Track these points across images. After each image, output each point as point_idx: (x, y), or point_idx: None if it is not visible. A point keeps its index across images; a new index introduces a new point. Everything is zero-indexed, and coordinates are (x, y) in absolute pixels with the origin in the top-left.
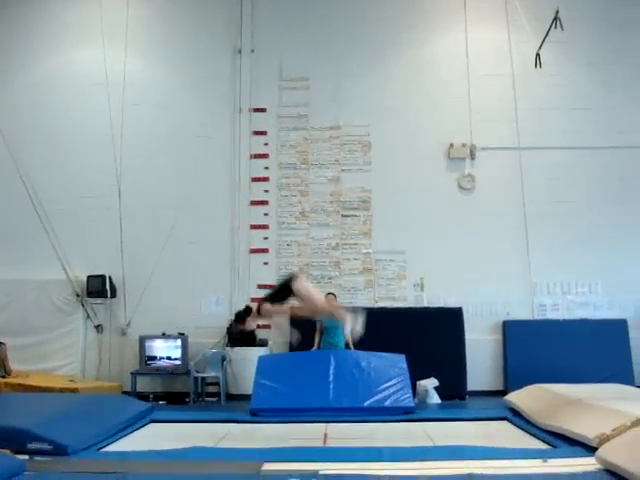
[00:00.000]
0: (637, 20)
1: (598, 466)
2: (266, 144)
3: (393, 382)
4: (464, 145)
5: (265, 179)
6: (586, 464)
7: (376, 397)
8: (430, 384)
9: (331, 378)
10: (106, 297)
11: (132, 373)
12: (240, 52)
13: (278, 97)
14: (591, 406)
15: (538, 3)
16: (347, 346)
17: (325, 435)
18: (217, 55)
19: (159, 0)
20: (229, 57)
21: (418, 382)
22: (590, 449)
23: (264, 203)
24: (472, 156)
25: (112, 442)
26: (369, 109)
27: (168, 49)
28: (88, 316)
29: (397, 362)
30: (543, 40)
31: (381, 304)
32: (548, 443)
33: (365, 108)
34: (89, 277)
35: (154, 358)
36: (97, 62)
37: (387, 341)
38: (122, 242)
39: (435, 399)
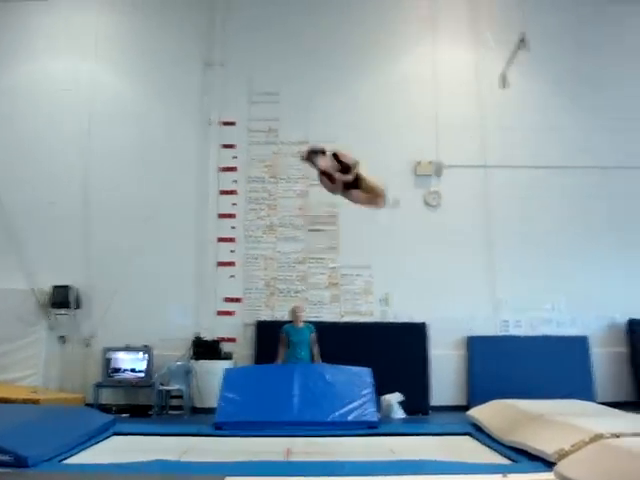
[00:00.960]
0: (602, 41)
1: None
2: (235, 157)
3: (358, 396)
4: (431, 162)
5: (233, 192)
6: (545, 479)
7: (340, 411)
8: (394, 399)
9: (296, 392)
10: (70, 308)
11: (95, 385)
12: (210, 65)
13: (247, 111)
14: (551, 422)
15: (505, 24)
16: (312, 360)
17: (288, 449)
18: (187, 68)
19: (129, 12)
20: (199, 70)
21: (382, 397)
22: (549, 464)
23: (232, 216)
24: (438, 173)
25: (74, 454)
26: (338, 125)
27: (138, 61)
28: (52, 327)
29: (362, 376)
30: (509, 60)
31: (347, 319)
32: (509, 458)
33: (334, 124)
34: (54, 287)
35: (118, 370)
36: (67, 72)
37: (352, 356)
38: (88, 252)
39: (399, 414)
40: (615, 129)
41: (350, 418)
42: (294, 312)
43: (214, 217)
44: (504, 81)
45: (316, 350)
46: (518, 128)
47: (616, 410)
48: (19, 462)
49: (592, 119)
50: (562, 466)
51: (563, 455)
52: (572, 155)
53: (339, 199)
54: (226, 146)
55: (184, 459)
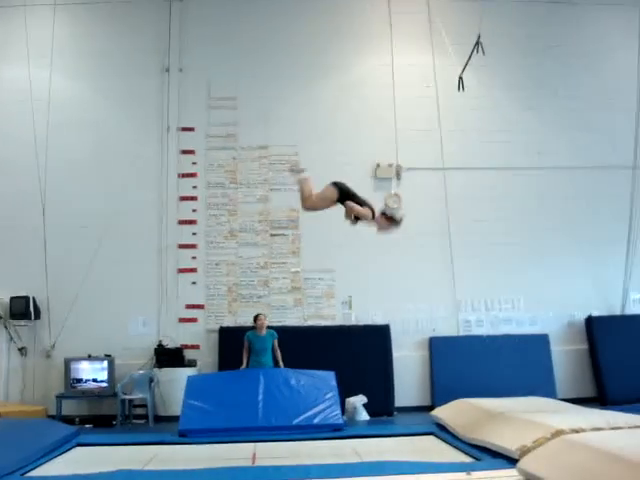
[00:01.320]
0: (556, 46)
1: (519, 477)
2: (194, 163)
3: (322, 400)
4: (390, 165)
5: (193, 198)
6: (508, 475)
7: (305, 415)
8: (359, 401)
9: (260, 397)
10: (30, 319)
11: (57, 396)
12: (168, 71)
13: (206, 116)
14: (513, 419)
15: (461, 28)
16: (276, 365)
17: (254, 455)
18: (145, 73)
19: (86, 18)
20: (157, 75)
21: (347, 399)
22: (512, 461)
23: (192, 222)
24: (398, 176)
25: (36, 467)
26: (297, 129)
27: (95, 67)
28: (11, 338)
29: (326, 380)
30: (466, 64)
31: (310, 322)
32: (472, 456)
33: (293, 128)
34: (12, 298)
35: (80, 381)
36: (22, 79)
37: (316, 359)
38: (46, 262)
39: (364, 416)
40: (569, 130)
41: (315, 421)
42: (257, 321)
43: (174, 223)
44: (461, 84)
45: (279, 355)
46: (475, 130)
47: (576, 406)
48: None
49: (547, 120)
50: (525, 462)
51: (525, 451)
52: (527, 156)
53: (299, 204)
54: (185, 152)
55: (148, 468)
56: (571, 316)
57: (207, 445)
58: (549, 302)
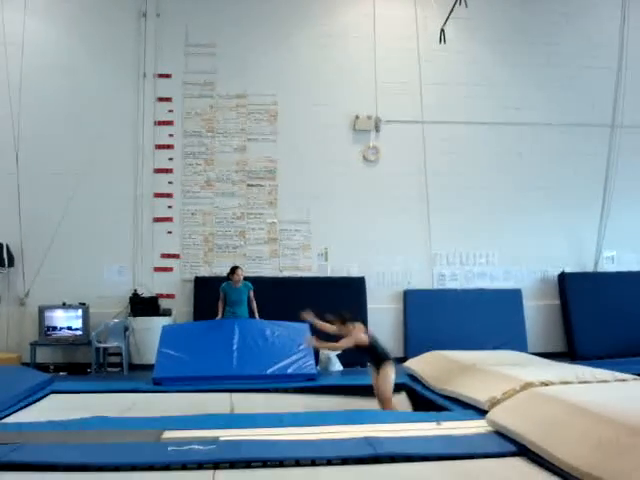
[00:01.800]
0: (538, 0)
1: (489, 428)
2: (171, 111)
3: (296, 350)
4: (369, 117)
5: (170, 147)
6: (477, 426)
7: (279, 365)
8: (332, 352)
9: (235, 347)
10: (3, 266)
11: (31, 344)
12: (145, 16)
13: (184, 63)
14: (484, 371)
15: None
16: (251, 316)
17: (229, 403)
18: (121, 18)
19: None
20: (134, 20)
21: (321, 350)
22: (482, 412)
23: (168, 171)
24: (377, 129)
25: (10, 414)
26: (276, 79)
27: (70, 11)
28: None
29: (301, 331)
30: (448, 16)
31: (286, 273)
32: (443, 407)
33: (272, 77)
34: None
35: (54, 328)
36: None
37: (291, 310)
38: (20, 209)
39: (337, 366)
40: (549, 86)
41: (289, 371)
42: (234, 275)
43: (150, 172)
44: (443, 37)
45: (254, 306)
46: (454, 84)
47: (546, 360)
48: None
49: (527, 76)
50: (494, 413)
51: (495, 403)
52: (506, 111)
53: (278, 154)
54: (162, 99)
55: (122, 415)
56: (544, 272)
57: (181, 394)
58: (523, 258)
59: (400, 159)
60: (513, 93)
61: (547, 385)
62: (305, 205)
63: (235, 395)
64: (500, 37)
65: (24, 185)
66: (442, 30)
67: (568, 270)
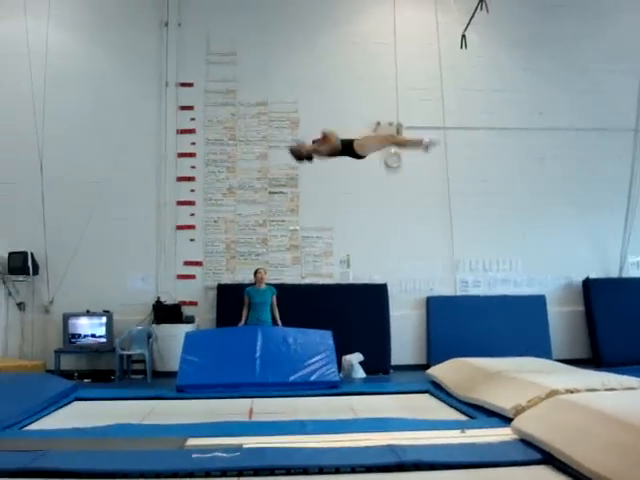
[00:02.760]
0: (560, 4)
1: (514, 436)
2: (193, 119)
3: (319, 357)
4: (390, 124)
5: (192, 155)
6: (502, 434)
7: (302, 372)
8: (355, 359)
9: (258, 354)
10: (28, 274)
11: (56, 351)
12: (167, 25)
13: (205, 72)
14: (508, 379)
15: None
16: (274, 322)
17: (251, 410)
18: (144, 28)
19: None
20: (156, 30)
21: (343, 357)
22: (506, 420)
23: (191, 179)
24: (398, 134)
25: (35, 421)
26: (297, 85)
27: (93, 20)
28: (10, 294)
29: (323, 338)
30: (469, 22)
31: (308, 281)
32: (467, 415)
33: (293, 84)
34: (10, 254)
35: (78, 336)
36: (18, 32)
37: (314, 317)
38: (44, 217)
39: (360, 373)
40: (572, 91)
41: (312, 378)
42: (256, 275)
43: (172, 180)
44: (464, 42)
45: (276, 312)
46: (476, 90)
47: (571, 367)
48: None
49: (549, 81)
50: (519, 421)
51: (520, 411)
52: (528, 117)
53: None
54: (184, 108)
55: (146, 422)
56: (568, 278)
57: (204, 400)
58: (547, 264)
59: (422, 165)
60: (536, 98)
61: (572, 392)
62: (327, 212)
63: (257, 400)
64: (522, 42)
65: (48, 194)
66: (463, 36)
67: (593, 276)
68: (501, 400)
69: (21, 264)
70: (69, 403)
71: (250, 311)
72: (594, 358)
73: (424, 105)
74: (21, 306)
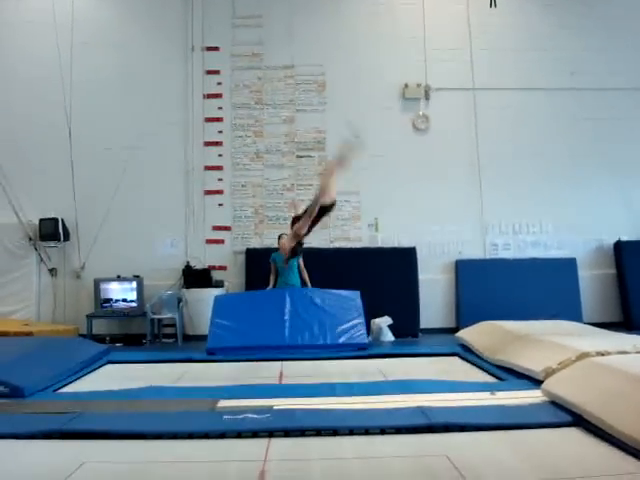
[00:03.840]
0: None
1: (544, 398)
2: (219, 83)
3: (348, 319)
4: (419, 85)
5: (219, 119)
6: (532, 396)
7: (331, 334)
8: (384, 322)
9: (287, 316)
10: (59, 240)
11: (88, 316)
12: None
13: (231, 35)
14: (538, 341)
15: None
16: (304, 285)
17: (280, 372)
18: None
19: None
20: None
21: (372, 320)
22: (536, 382)
23: (218, 144)
24: (427, 97)
25: (68, 383)
26: (324, 48)
27: None
28: (42, 260)
29: (352, 299)
30: None
31: (336, 244)
32: (497, 377)
33: (320, 47)
34: (41, 220)
35: (110, 301)
36: (44, 1)
37: (342, 281)
38: (74, 184)
39: (389, 337)
40: (605, 49)
41: (341, 340)
42: (279, 241)
43: (200, 145)
44: (493, 1)
45: (305, 275)
46: (506, 49)
47: (602, 330)
48: (15, 392)
49: (582, 39)
50: (550, 384)
51: (550, 373)
52: (560, 77)
53: (327, 125)
54: (210, 72)
55: (178, 384)
56: (600, 240)
57: (234, 363)
58: (578, 226)
59: (451, 127)
60: (568, 57)
61: (603, 355)
62: (355, 175)
63: (286, 363)
64: (552, 0)
65: (77, 160)
66: None
67: (624, 238)
68: (531, 362)
69: (52, 230)
70: (102, 366)
71: (278, 276)
72: (625, 321)
73: (453, 66)
74: (53, 272)
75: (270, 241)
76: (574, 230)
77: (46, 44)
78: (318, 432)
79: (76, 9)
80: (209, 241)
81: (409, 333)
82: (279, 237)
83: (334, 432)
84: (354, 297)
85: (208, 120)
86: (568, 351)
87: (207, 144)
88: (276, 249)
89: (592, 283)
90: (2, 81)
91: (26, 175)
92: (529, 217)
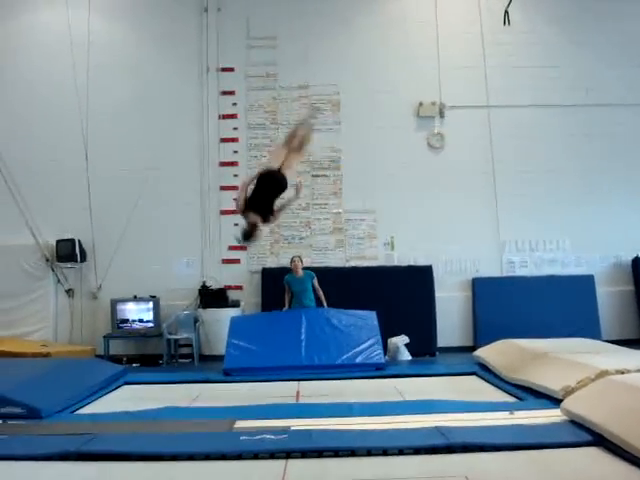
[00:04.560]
0: None
1: (563, 417)
2: (235, 104)
3: (364, 339)
4: (433, 103)
5: (234, 140)
6: (551, 415)
7: (348, 354)
8: (401, 341)
9: (303, 336)
10: (76, 261)
11: (105, 337)
12: (207, 10)
13: (246, 56)
14: (557, 360)
15: None
16: (319, 305)
17: (297, 392)
18: (183, 14)
19: None
20: (196, 16)
21: (389, 339)
22: (556, 401)
23: (234, 164)
24: (441, 114)
25: (86, 404)
26: (338, 68)
27: (133, 8)
28: (59, 280)
29: (368, 319)
30: None
31: (352, 263)
32: (515, 396)
33: (334, 67)
34: (58, 241)
35: (126, 321)
36: (60, 23)
37: (358, 300)
38: (91, 205)
39: (406, 356)
40: (619, 65)
41: (358, 360)
42: (292, 263)
43: (216, 165)
44: (507, 18)
45: (321, 294)
46: (520, 67)
47: (621, 347)
48: (32, 414)
49: (596, 55)
50: (569, 402)
51: (569, 392)
52: (574, 93)
53: (342, 144)
54: (225, 93)
55: (194, 405)
56: (617, 257)
57: (251, 383)
58: (595, 243)
59: (466, 145)
60: (582, 73)
61: (623, 373)
62: (370, 194)
63: (303, 383)
64: (566, 15)
65: (94, 182)
66: (506, 12)
67: None
68: (550, 381)
69: (69, 251)
70: (119, 387)
71: (292, 298)
72: None
73: (467, 84)
74: (70, 293)
75: (286, 260)
76: (591, 247)
77: (62, 66)
78: (336, 453)
79: (92, 31)
80: (225, 261)
81: (426, 352)
82: (292, 260)
83: (352, 453)
84: (370, 317)
85: (224, 140)
86: (587, 369)
87: (223, 164)
88: (289, 270)
89: (610, 300)
90: (21, 102)
91: (43, 196)
92: (546, 234)
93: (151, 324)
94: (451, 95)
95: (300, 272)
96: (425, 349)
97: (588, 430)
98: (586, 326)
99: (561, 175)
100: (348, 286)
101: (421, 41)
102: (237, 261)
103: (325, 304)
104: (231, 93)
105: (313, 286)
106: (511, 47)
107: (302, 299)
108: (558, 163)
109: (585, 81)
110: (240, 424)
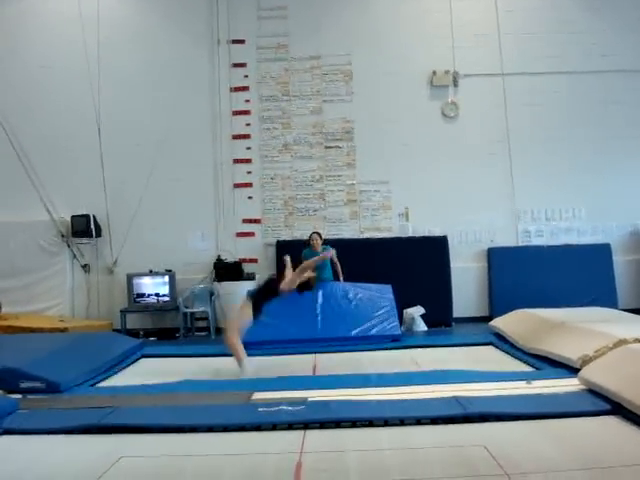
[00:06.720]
0: None
1: (581, 386)
2: (246, 76)
3: (380, 311)
4: (447, 72)
5: (246, 112)
6: (569, 385)
7: (363, 326)
8: (416, 312)
9: (319, 310)
10: (91, 237)
11: (121, 311)
12: None
13: (256, 27)
14: (574, 329)
15: None
16: (336, 278)
17: (314, 365)
18: None
19: None
20: None
21: (405, 310)
22: (573, 370)
23: (246, 137)
24: (455, 83)
25: (104, 378)
26: (350, 37)
27: None
28: (74, 256)
29: (383, 292)
30: None
31: (366, 235)
32: (532, 366)
33: (346, 36)
34: (73, 217)
35: (142, 295)
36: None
37: (373, 271)
38: (104, 181)
39: (422, 326)
40: (633, 31)
41: (373, 332)
42: (311, 241)
43: (228, 138)
44: None
45: (338, 269)
46: (534, 33)
47: (639, 316)
48: (52, 388)
49: (612, 20)
50: (586, 371)
51: (587, 361)
52: (591, 59)
53: (355, 115)
54: (237, 65)
55: (212, 378)
56: (634, 225)
57: (268, 357)
58: (612, 211)
59: (480, 113)
60: (597, 40)
61: None
62: (384, 165)
63: (319, 356)
64: None
65: (107, 157)
66: None
67: None
68: (567, 350)
69: (84, 227)
70: (136, 360)
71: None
72: None
73: (481, 52)
74: (86, 268)
75: (300, 233)
76: (608, 215)
77: (74, 42)
78: (353, 423)
79: (101, 6)
80: (239, 234)
81: (442, 322)
82: (310, 237)
83: (369, 423)
84: (386, 290)
85: (236, 113)
86: (605, 338)
87: (235, 137)
88: (306, 242)
89: (627, 269)
90: (34, 80)
91: (57, 172)
92: (561, 203)
93: (167, 298)
94: (465, 63)
95: (319, 248)
96: (441, 320)
97: (606, 399)
98: (603, 295)
99: (577, 143)
100: (363, 258)
101: (434, 9)
102: (252, 234)
103: (341, 278)
104: (242, 65)
105: (331, 259)
106: (524, 13)
107: (320, 273)
108: (574, 131)
109: (601, 47)
110: (258, 396)
